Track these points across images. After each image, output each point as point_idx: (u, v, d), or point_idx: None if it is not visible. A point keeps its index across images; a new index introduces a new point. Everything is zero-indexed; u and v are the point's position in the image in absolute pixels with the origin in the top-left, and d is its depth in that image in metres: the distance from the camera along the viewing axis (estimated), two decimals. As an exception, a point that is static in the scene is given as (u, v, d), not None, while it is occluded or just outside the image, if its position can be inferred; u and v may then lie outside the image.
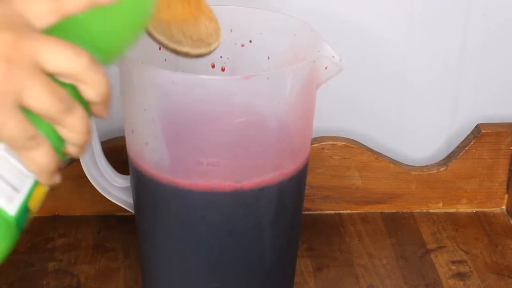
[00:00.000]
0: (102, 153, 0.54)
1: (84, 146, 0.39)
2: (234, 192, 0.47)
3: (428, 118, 0.67)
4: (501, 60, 0.65)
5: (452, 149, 0.67)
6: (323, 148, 0.64)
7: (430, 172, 0.66)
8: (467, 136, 0.66)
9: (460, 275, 0.60)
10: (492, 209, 0.68)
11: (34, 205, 0.39)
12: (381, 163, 0.65)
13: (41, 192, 0.39)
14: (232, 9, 0.52)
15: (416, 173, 0.66)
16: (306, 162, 0.50)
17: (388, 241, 0.64)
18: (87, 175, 0.54)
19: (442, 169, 0.66)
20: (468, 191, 0.67)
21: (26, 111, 0.35)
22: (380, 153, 0.66)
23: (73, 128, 0.37)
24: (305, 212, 0.65)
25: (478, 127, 0.65)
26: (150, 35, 0.43)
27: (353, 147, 0.65)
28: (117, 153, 0.62)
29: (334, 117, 0.67)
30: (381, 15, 0.63)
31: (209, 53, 0.44)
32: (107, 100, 0.38)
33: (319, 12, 0.62)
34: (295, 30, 0.50)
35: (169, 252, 0.51)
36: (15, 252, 0.61)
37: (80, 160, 0.54)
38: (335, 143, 0.65)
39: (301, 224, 0.54)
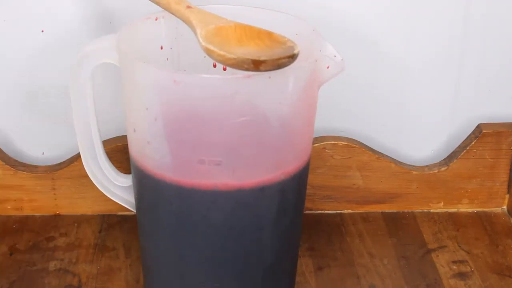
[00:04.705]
0: (104, 152, 0.54)
1: None
2: (235, 191, 0.47)
3: (428, 118, 0.67)
4: (501, 60, 0.65)
5: (453, 149, 0.67)
6: (324, 148, 0.65)
7: (431, 172, 0.66)
8: (468, 136, 0.66)
9: (461, 275, 0.60)
10: (493, 209, 0.68)
11: None
12: (382, 163, 0.65)
13: None
14: (233, 8, 0.52)
15: (417, 173, 0.66)
16: (307, 162, 0.51)
17: (389, 241, 0.64)
18: (88, 174, 0.55)
19: (443, 169, 0.66)
20: (469, 191, 0.67)
21: None
22: (381, 153, 0.66)
23: None
24: (306, 212, 0.65)
25: (479, 127, 0.65)
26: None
27: (354, 147, 0.65)
28: (118, 152, 0.63)
29: (335, 117, 0.67)
30: (381, 15, 0.63)
31: (292, 57, 0.44)
32: None
33: (319, 12, 0.62)
34: (297, 29, 0.50)
35: (171, 252, 0.51)
36: (16, 251, 0.62)
37: (82, 159, 0.54)
38: (336, 142, 0.65)
39: (302, 224, 0.54)
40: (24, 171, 0.64)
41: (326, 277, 0.59)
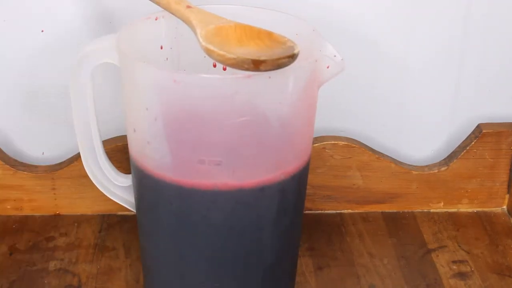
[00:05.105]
0: (104, 152, 0.54)
1: None
2: (235, 191, 0.47)
3: (428, 118, 0.67)
4: (501, 60, 0.65)
5: (453, 149, 0.67)
6: (324, 148, 0.65)
7: (431, 172, 0.66)
8: (468, 136, 0.66)
9: (461, 275, 0.60)
10: (493, 209, 0.68)
11: None
12: (382, 163, 0.65)
13: None
14: (233, 8, 0.52)
15: (417, 173, 0.66)
16: (307, 162, 0.51)
17: (389, 241, 0.64)
18: (88, 174, 0.55)
19: (443, 169, 0.66)
20: (469, 191, 0.67)
21: None
22: (381, 153, 0.66)
23: None
24: (306, 212, 0.65)
25: (479, 127, 0.65)
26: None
27: (354, 147, 0.65)
28: (118, 152, 0.63)
29: (335, 117, 0.67)
30: (381, 15, 0.63)
31: (292, 56, 0.44)
32: None
33: (319, 12, 0.62)
34: (296, 29, 0.50)
35: (170, 252, 0.51)
36: (16, 251, 0.62)
37: (82, 159, 0.54)
38: (336, 142, 0.65)
39: (302, 224, 0.54)
40: (24, 171, 0.64)
41: (326, 277, 0.59)
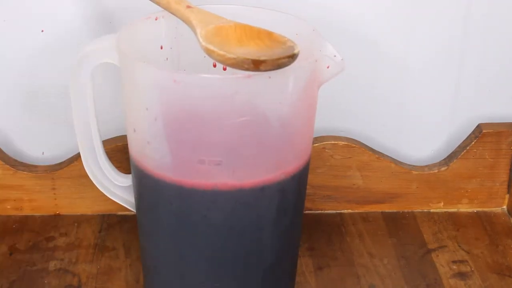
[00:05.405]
0: (104, 152, 0.54)
1: None
2: (235, 191, 0.47)
3: (428, 118, 0.67)
4: (501, 60, 0.65)
5: (453, 149, 0.67)
6: (324, 148, 0.65)
7: (431, 172, 0.66)
8: (468, 136, 0.66)
9: (461, 275, 0.60)
10: (493, 209, 0.68)
11: None
12: (382, 163, 0.65)
13: None
14: (233, 8, 0.52)
15: (417, 172, 0.66)
16: (307, 161, 0.51)
17: (389, 241, 0.64)
18: (88, 174, 0.55)
19: (443, 169, 0.66)
20: (469, 191, 0.67)
21: None
22: (381, 153, 0.66)
23: None
24: (306, 212, 0.65)
25: (479, 127, 0.65)
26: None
27: (354, 147, 0.65)
28: (118, 152, 0.63)
29: (335, 117, 0.67)
30: (381, 15, 0.63)
31: (292, 56, 0.44)
32: None
33: (319, 12, 0.62)
34: (297, 29, 0.50)
35: (170, 252, 0.51)
36: (16, 251, 0.62)
37: (82, 159, 0.54)
38: (336, 142, 0.65)
39: (302, 224, 0.54)
40: (24, 171, 0.64)
41: (326, 277, 0.59)
